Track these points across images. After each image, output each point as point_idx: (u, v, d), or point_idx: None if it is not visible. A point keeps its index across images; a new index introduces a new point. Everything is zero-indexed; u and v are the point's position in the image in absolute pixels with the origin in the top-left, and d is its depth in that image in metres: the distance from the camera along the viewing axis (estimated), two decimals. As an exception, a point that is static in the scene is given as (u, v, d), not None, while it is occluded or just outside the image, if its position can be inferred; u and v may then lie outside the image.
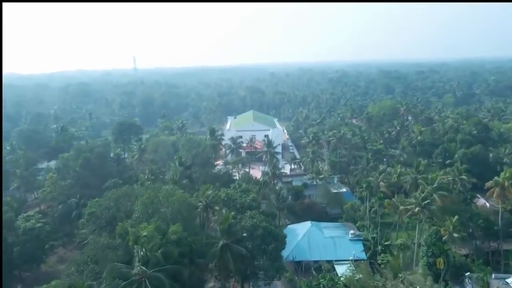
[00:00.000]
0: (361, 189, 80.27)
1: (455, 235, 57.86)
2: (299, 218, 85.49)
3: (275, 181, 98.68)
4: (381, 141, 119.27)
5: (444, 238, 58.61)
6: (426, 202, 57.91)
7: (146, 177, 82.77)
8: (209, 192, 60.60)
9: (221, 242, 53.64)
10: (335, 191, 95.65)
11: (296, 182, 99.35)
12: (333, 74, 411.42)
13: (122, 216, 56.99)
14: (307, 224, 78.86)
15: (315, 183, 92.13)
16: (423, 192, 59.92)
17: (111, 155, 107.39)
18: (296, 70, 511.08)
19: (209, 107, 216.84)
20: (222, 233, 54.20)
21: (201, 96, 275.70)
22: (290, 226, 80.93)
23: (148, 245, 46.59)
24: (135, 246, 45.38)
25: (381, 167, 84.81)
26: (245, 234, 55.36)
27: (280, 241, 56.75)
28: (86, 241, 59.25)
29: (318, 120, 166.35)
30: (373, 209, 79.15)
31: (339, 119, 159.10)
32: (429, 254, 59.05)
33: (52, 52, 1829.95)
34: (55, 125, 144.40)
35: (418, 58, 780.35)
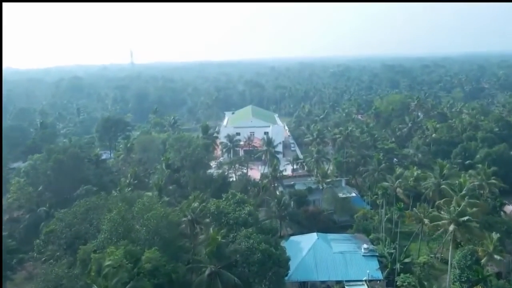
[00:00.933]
0: (376, 196, 69.57)
1: (497, 257, 47.17)
2: (303, 227, 75.20)
3: (276, 184, 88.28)
4: (393, 139, 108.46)
5: (482, 261, 47.98)
6: (465, 219, 46.82)
7: (128, 181, 72.20)
8: (196, 204, 49.88)
9: (208, 269, 43.17)
10: (343, 195, 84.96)
11: (299, 186, 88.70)
12: (334, 68, 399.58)
13: (89, 235, 46.43)
14: (313, 236, 68.33)
15: (321, 187, 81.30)
16: (459, 206, 48.96)
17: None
18: (296, 65, 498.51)
19: (206, 102, 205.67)
20: (209, 257, 43.70)
21: (198, 90, 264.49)
22: (293, 238, 70.41)
23: (112, 279, 36.10)
24: (94, 285, 34.88)
25: (398, 170, 73.89)
26: (238, 256, 44.89)
27: (283, 265, 46.27)
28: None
29: (322, 116, 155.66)
30: (387, 216, 68.50)
31: (344, 114, 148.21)
32: (463, 279, 48.82)
33: (51, 47, 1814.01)
34: (41, 121, 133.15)
35: (419, 53, 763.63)
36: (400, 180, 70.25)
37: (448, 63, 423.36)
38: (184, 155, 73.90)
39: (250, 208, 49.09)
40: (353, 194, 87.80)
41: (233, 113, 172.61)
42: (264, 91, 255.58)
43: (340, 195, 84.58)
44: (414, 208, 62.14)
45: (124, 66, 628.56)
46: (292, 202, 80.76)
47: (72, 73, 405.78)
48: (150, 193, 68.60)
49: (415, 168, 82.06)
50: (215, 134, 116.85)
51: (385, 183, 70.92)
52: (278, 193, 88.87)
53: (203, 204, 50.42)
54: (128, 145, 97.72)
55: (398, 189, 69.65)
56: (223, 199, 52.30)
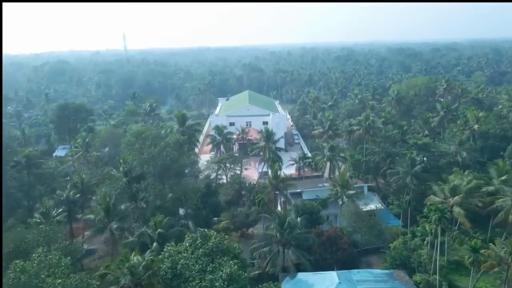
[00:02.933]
0: (424, 218, 47.61)
1: None
2: (314, 254, 53.62)
3: (276, 193, 66.45)
4: (426, 132, 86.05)
5: None
6: None
7: (64, 196, 50.19)
8: (136, 259, 27.89)
9: None
10: (366, 208, 63.02)
11: (308, 195, 66.65)
12: (339, 53, 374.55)
13: None
14: (332, 277, 46.76)
15: (341, 202, 59.19)
16: None
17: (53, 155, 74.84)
18: (298, 49, 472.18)
19: (198, 87, 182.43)
20: None
21: (191, 75, 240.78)
22: (301, 277, 48.74)
23: None
24: None
25: (453, 180, 51.46)
26: None
27: None
28: None
29: (330, 103, 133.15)
30: (435, 240, 46.67)
31: (357, 101, 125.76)
32: None
33: (46, 33, 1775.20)
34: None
35: (423, 38, 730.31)
36: (461, 195, 47.94)
37: (458, 47, 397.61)
38: (148, 157, 51.83)
39: (232, 267, 27.03)
40: (381, 206, 66.06)
41: (227, 99, 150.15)
42: (264, 76, 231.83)
43: (364, 208, 62.74)
44: (491, 244, 40.20)
45: (118, 51, 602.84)
46: (299, 220, 59.24)
47: (60, 58, 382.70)
48: (92, 216, 46.88)
49: (466, 172, 59.79)
50: (207, 126, 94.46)
51: (437, 199, 48.75)
52: (280, 206, 67.29)
53: (151, 256, 28.38)
54: (87, 139, 75.66)
55: (457, 209, 47.46)
56: (188, 243, 30.07)
